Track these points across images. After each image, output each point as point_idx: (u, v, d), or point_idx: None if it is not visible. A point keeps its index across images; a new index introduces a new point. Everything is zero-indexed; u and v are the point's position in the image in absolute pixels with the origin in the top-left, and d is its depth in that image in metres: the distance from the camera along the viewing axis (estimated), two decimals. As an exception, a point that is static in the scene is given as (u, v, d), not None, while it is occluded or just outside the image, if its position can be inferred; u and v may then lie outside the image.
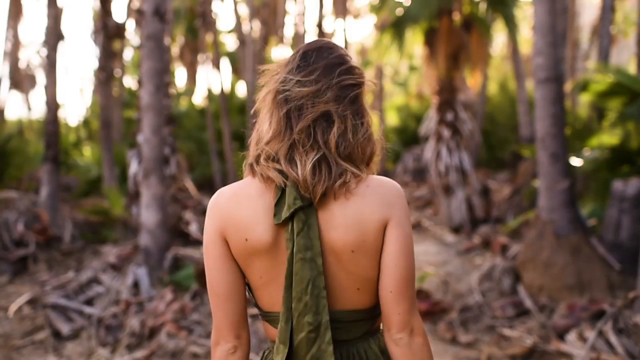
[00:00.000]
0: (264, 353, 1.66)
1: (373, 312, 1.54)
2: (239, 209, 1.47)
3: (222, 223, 1.48)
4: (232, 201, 1.49)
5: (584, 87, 7.90)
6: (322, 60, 1.50)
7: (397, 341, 1.47)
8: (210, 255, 1.51)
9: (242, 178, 1.56)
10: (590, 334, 4.87)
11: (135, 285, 6.57)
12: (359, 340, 1.55)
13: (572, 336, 4.98)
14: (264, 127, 1.49)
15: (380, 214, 1.45)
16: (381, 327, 1.57)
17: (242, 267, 1.51)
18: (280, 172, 1.44)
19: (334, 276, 1.47)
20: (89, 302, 6.44)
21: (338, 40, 23.73)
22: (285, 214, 1.41)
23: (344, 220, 1.44)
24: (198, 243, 8.46)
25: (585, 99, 8.09)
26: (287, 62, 1.54)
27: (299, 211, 1.42)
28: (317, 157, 1.43)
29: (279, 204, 1.44)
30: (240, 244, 1.46)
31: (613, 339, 4.74)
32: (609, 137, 7.17)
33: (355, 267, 1.47)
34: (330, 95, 1.47)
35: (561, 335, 5.12)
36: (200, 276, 6.25)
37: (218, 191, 1.54)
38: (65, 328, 5.77)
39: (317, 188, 1.41)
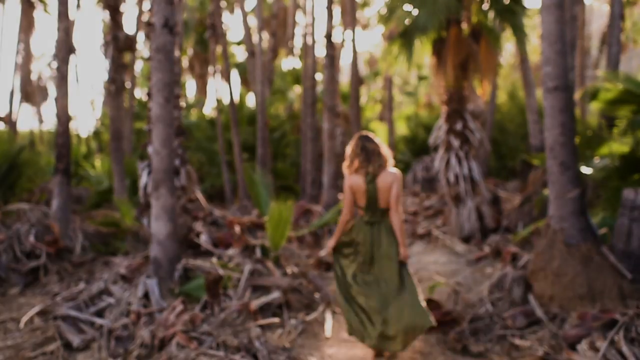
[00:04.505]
0: (359, 219, 5.04)
1: (386, 210, 4.91)
2: (355, 180, 4.90)
3: (350, 183, 4.91)
4: (353, 178, 4.91)
5: (593, 95, 7.86)
6: (369, 136, 4.98)
7: (392, 217, 4.89)
8: (346, 192, 4.93)
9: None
10: (602, 344, 4.84)
11: (146, 296, 6.59)
12: (383, 219, 4.96)
13: (583, 346, 4.95)
14: (359, 158, 4.87)
15: (391, 180, 4.85)
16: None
17: (354, 195, 4.93)
18: (365, 171, 4.89)
19: (378, 197, 4.87)
20: (100, 313, 6.47)
21: (347, 50, 23.77)
22: (368, 180, 4.87)
23: (380, 182, 4.86)
24: (208, 254, 8.47)
25: (594, 107, 8.05)
26: (358, 139, 4.96)
27: (372, 179, 4.87)
28: (379, 163, 4.88)
29: (366, 177, 4.88)
30: (355, 189, 4.90)
31: (625, 348, 4.71)
32: (619, 146, 7.13)
33: (383, 195, 4.85)
34: (379, 146, 4.95)
35: (572, 345, 5.09)
36: (210, 287, 6.26)
37: (347, 176, 4.94)
38: (75, 339, 5.79)
39: (377, 172, 4.87)
